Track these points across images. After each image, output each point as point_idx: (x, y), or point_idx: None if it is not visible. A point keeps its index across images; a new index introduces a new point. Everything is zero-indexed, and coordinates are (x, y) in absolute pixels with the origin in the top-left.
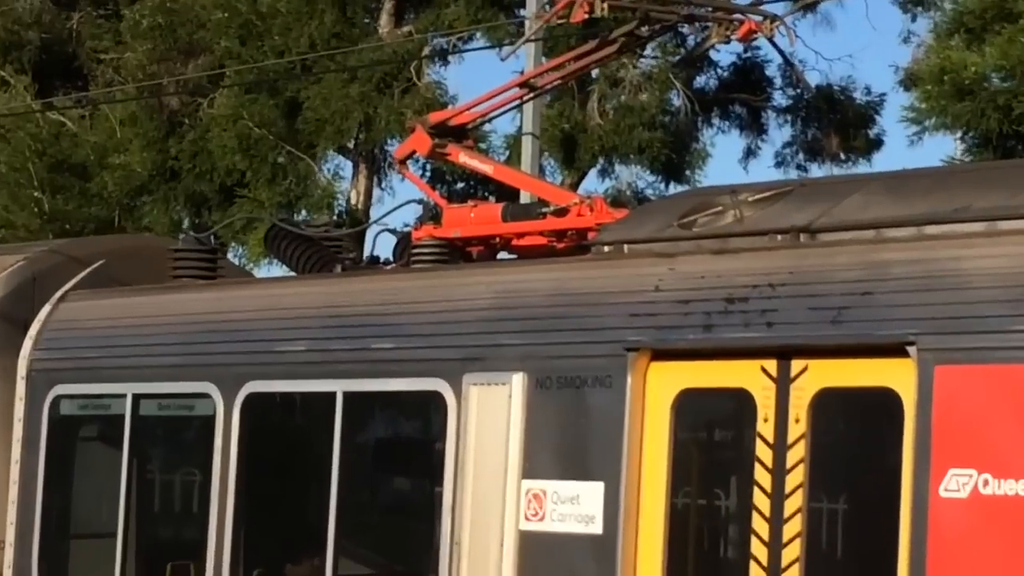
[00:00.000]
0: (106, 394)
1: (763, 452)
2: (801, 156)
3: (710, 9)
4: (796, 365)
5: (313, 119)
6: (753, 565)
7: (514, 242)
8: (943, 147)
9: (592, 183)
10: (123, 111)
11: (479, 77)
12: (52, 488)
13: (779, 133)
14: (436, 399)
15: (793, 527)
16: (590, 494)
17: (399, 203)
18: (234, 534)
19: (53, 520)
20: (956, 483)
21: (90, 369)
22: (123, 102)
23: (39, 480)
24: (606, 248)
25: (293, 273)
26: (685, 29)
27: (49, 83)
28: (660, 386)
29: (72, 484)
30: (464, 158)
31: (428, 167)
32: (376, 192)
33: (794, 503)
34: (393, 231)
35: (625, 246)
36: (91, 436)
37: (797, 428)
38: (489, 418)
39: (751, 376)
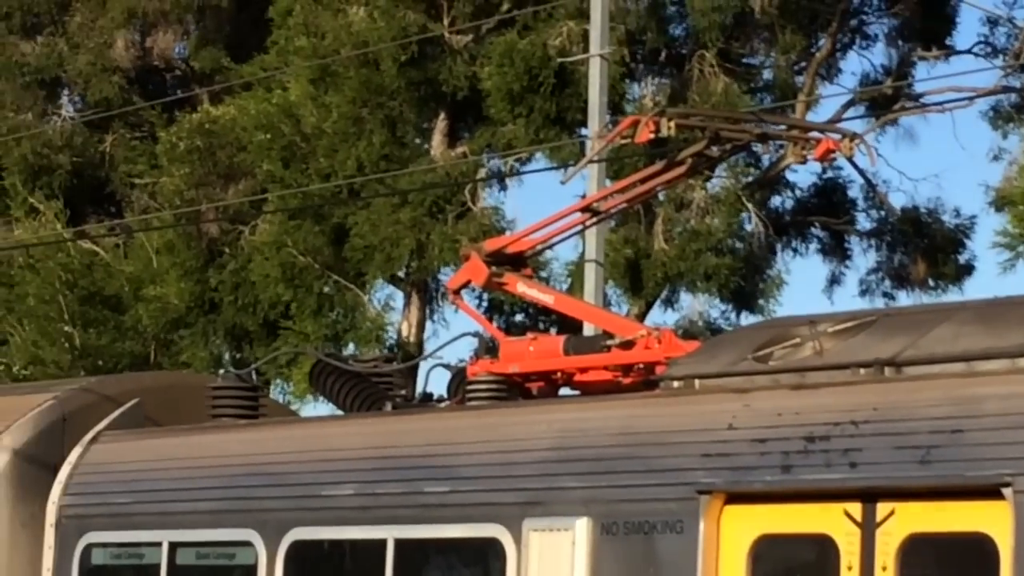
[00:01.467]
0: (141, 542)
1: None
2: (887, 283)
3: (785, 128)
4: (882, 509)
5: (361, 246)
6: None
7: (577, 377)
8: None
9: (659, 315)
10: (159, 239)
11: (538, 201)
12: None
13: (863, 259)
14: (494, 546)
15: None
16: None
17: (453, 336)
18: None
19: None
20: None
21: (123, 515)
22: (159, 230)
23: None
24: (676, 383)
25: (340, 412)
26: (758, 149)
27: (81, 210)
28: (735, 532)
29: None
30: (523, 288)
31: (484, 298)
32: (429, 324)
33: None
34: (447, 366)
35: (696, 381)
36: None
37: None
38: (551, 567)
39: (834, 521)
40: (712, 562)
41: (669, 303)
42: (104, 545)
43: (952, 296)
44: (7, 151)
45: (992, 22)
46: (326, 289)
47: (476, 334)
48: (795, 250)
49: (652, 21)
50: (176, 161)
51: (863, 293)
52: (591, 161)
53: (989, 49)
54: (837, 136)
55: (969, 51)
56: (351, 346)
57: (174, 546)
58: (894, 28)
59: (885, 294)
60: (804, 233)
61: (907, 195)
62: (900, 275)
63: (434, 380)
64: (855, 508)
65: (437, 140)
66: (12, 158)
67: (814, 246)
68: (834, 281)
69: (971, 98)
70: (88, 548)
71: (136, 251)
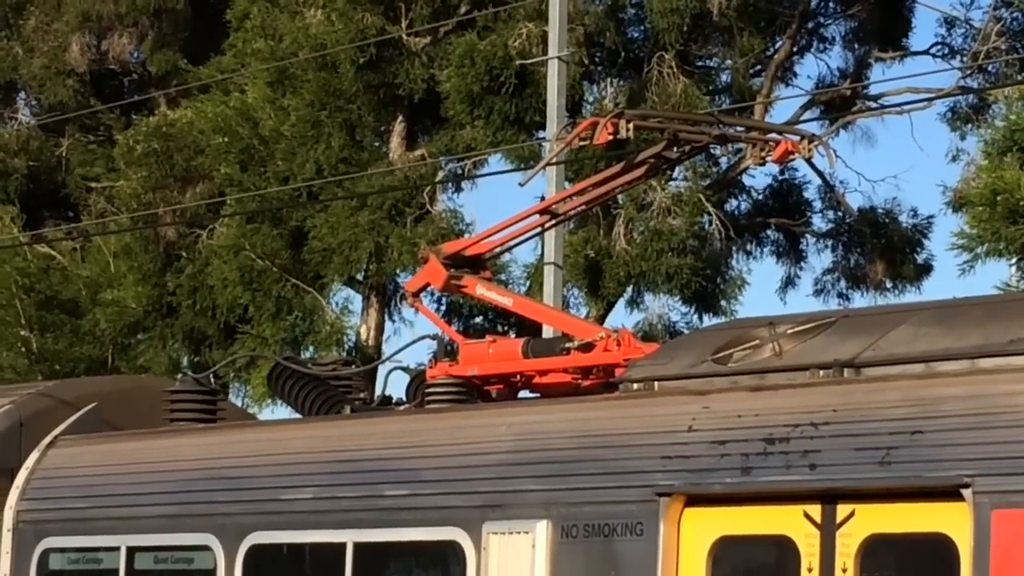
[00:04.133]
0: (99, 547)
1: None
2: (843, 284)
3: (743, 129)
4: (842, 510)
5: (320, 249)
6: None
7: (536, 380)
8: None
9: (620, 316)
10: (116, 243)
11: (497, 203)
12: None
13: (819, 259)
14: (454, 549)
15: None
16: None
17: (412, 339)
18: None
19: None
20: None
21: (81, 520)
22: (116, 233)
23: None
24: (635, 385)
25: (299, 415)
26: (717, 150)
27: (37, 214)
28: (695, 534)
29: None
30: (481, 290)
31: (443, 300)
32: (388, 327)
33: None
34: (406, 369)
35: (656, 383)
36: None
37: None
38: (511, 570)
39: (793, 522)
40: (672, 564)
41: (632, 303)
42: (62, 550)
43: (910, 297)
44: None
45: (949, 23)
46: (284, 292)
47: (435, 337)
48: (749, 253)
49: (611, 23)
50: (133, 164)
51: (818, 294)
52: (550, 163)
53: (946, 50)
54: (796, 138)
55: (926, 52)
56: (310, 349)
57: (132, 551)
58: (851, 30)
59: (841, 295)
60: (761, 235)
61: (865, 196)
62: (857, 276)
63: (393, 383)
64: (815, 509)
65: (395, 143)
66: None
67: (768, 248)
68: (789, 282)
69: (929, 99)
70: (46, 553)
71: (93, 255)
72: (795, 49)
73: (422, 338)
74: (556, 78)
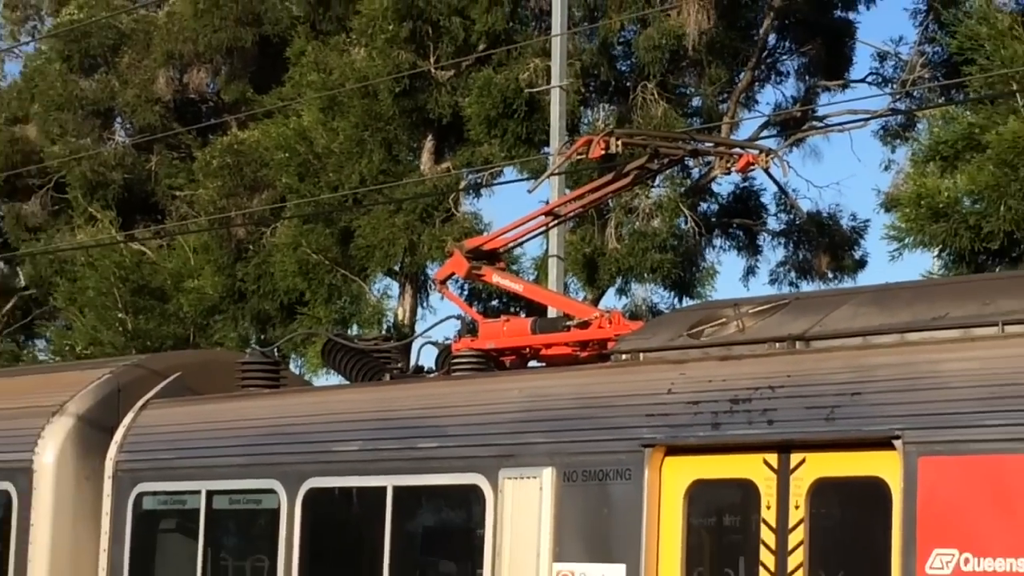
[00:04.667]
0: (183, 491)
1: (767, 536)
2: (794, 274)
3: (712, 145)
4: (795, 458)
5: (364, 246)
6: None
7: (542, 352)
8: (922, 263)
9: (611, 300)
10: (196, 241)
11: (510, 207)
12: (138, 574)
13: (774, 254)
14: (475, 492)
15: None
16: (615, 574)
17: (440, 319)
18: None
19: None
20: (940, 562)
21: (169, 469)
22: (195, 232)
23: (125, 569)
24: (624, 356)
25: (347, 382)
26: (691, 163)
27: (131, 217)
28: (674, 478)
29: (154, 572)
30: (497, 278)
31: (466, 287)
32: (420, 310)
33: None
34: (435, 344)
35: (641, 354)
36: (170, 528)
37: (797, 514)
38: (522, 509)
39: (755, 468)
40: (655, 503)
41: (621, 291)
42: (153, 493)
43: (849, 284)
44: (70, 170)
45: (882, 57)
46: (335, 281)
47: (459, 317)
48: (717, 247)
49: (603, 58)
50: (210, 176)
51: (773, 282)
52: (553, 174)
53: (880, 79)
54: (755, 152)
55: (863, 80)
56: (355, 328)
57: (211, 493)
58: (801, 64)
59: (791, 283)
60: (727, 232)
61: (812, 201)
62: (805, 268)
63: (425, 355)
64: (772, 458)
65: (425, 158)
66: (74, 175)
67: (732, 244)
68: (750, 272)
69: (865, 120)
70: (140, 496)
71: (177, 251)
72: (755, 79)
73: (448, 318)
74: (558, 104)
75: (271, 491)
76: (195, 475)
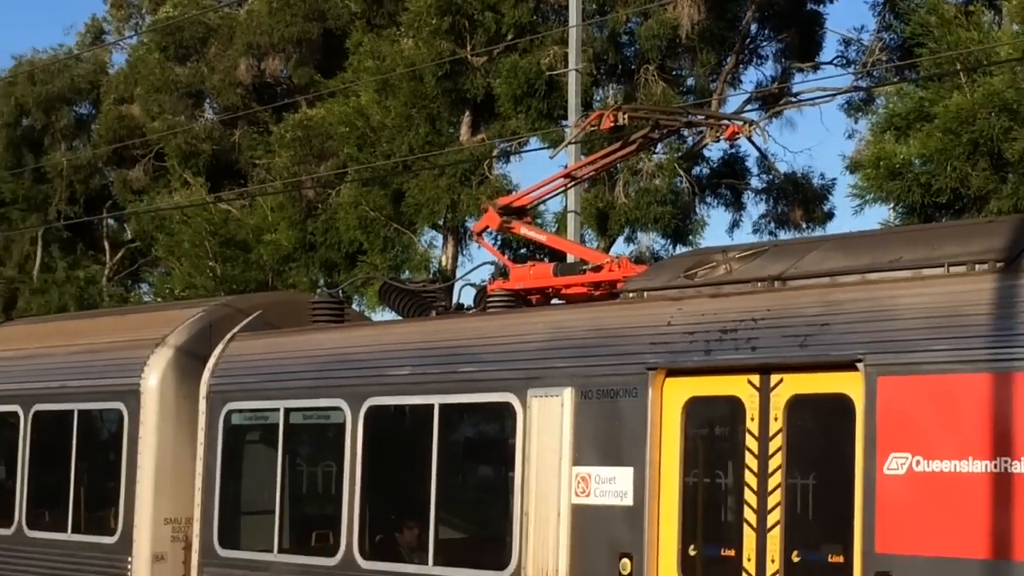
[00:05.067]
0: (265, 408)
1: (751, 443)
2: (773, 225)
3: (704, 118)
4: (774, 378)
5: (413, 204)
6: (745, 527)
7: (563, 291)
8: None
9: (620, 247)
10: (273, 201)
11: (534, 171)
12: (227, 479)
13: (756, 208)
14: (507, 408)
15: (775, 498)
16: (623, 476)
17: (477, 265)
18: (360, 510)
19: (228, 502)
20: (896, 463)
21: (253, 390)
22: (272, 195)
23: (217, 473)
24: (631, 294)
25: (400, 317)
26: (686, 133)
27: (218, 182)
28: (673, 395)
29: (241, 475)
30: (524, 230)
31: (498, 238)
32: (460, 257)
33: (775, 480)
34: (473, 285)
35: (645, 293)
36: (254, 440)
37: (776, 424)
38: (547, 422)
39: (740, 387)
40: (657, 416)
41: (628, 239)
42: (240, 411)
43: (819, 233)
44: (167, 142)
45: (846, 42)
46: (389, 234)
47: (493, 263)
48: (708, 203)
49: (611, 46)
50: (284, 147)
51: (755, 232)
52: (571, 143)
53: (845, 61)
54: (740, 123)
55: (831, 63)
56: (406, 272)
57: (288, 410)
58: (779, 49)
59: (770, 232)
60: (716, 191)
61: (788, 164)
62: (781, 220)
63: (464, 295)
64: (755, 378)
65: (463, 130)
66: (171, 147)
67: (721, 200)
68: (735, 224)
69: (832, 95)
70: (229, 413)
71: (257, 210)
72: (739, 62)
73: (483, 264)
74: (574, 84)
75: (338, 408)
76: (275, 395)
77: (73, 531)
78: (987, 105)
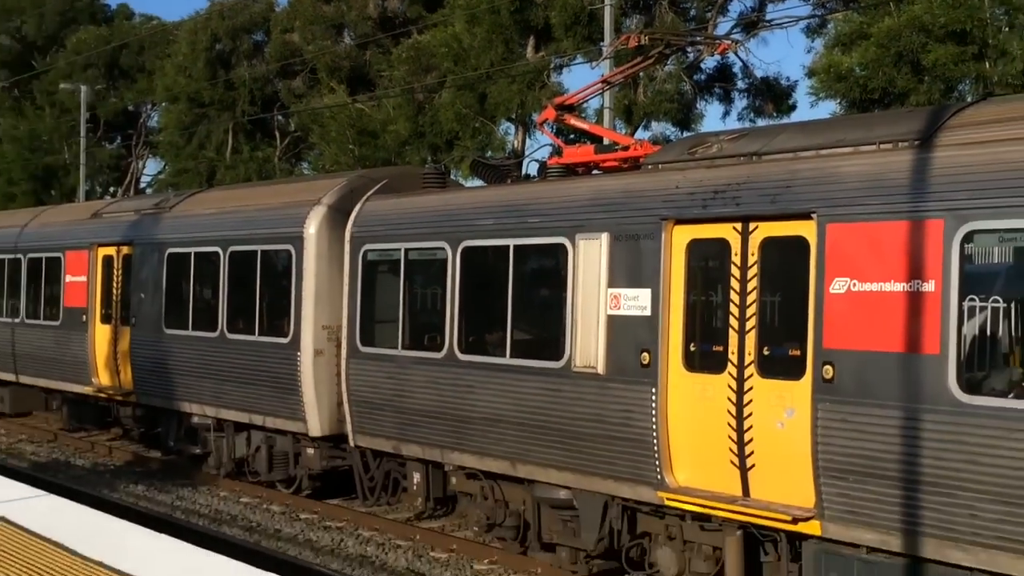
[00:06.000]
0: (391, 248)
1: (734, 271)
2: (751, 115)
3: (703, 38)
4: (752, 225)
5: (493, 103)
6: (730, 330)
7: (601, 165)
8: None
9: (641, 133)
10: (393, 102)
11: (580, 79)
12: (365, 298)
13: (740, 102)
14: (562, 248)
15: (751, 310)
16: (644, 295)
17: (539, 147)
18: (459, 320)
19: (366, 313)
20: (838, 285)
21: (382, 235)
22: (393, 98)
23: (358, 294)
24: (649, 167)
25: (484, 184)
26: (689, 50)
27: (356, 88)
28: (680, 238)
29: (375, 295)
30: (574, 121)
31: (554, 127)
32: (527, 141)
33: (752, 297)
34: (537, 161)
35: (660, 165)
36: (384, 270)
37: (752, 258)
38: (590, 257)
39: (728, 232)
40: (668, 253)
41: (646, 127)
42: (374, 250)
43: (785, 121)
44: (319, 60)
45: None
46: (477, 125)
47: (551, 146)
48: (706, 100)
49: None
50: (401, 63)
51: (739, 120)
52: (606, 58)
53: None
54: (729, 41)
55: None
56: (489, 152)
57: (407, 250)
58: None
59: (750, 120)
60: (711, 91)
61: (763, 70)
62: (758, 111)
63: (531, 168)
64: (738, 225)
65: (529, 50)
66: (321, 63)
67: (715, 98)
68: (725, 115)
69: (795, 21)
70: (366, 251)
71: (382, 108)
72: None
73: (544, 146)
74: (608, 15)
75: (442, 248)
76: (397, 239)
77: (259, 334)
78: (909, 26)
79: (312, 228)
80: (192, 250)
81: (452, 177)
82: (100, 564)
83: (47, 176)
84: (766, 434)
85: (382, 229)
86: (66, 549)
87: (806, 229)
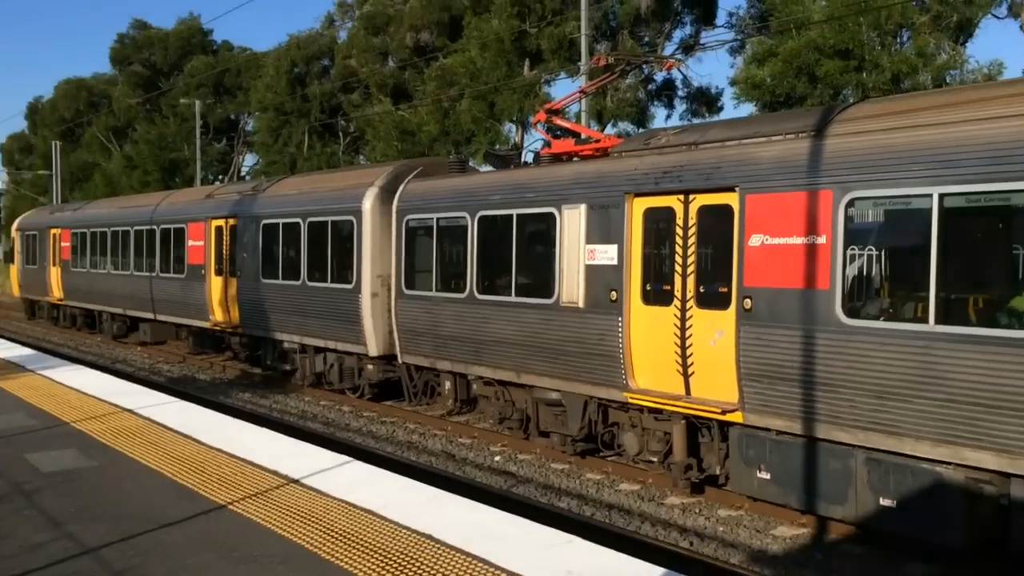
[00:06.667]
0: (427, 217)
1: (679, 232)
2: (690, 116)
3: (654, 58)
4: (691, 197)
5: (500, 109)
6: (675, 275)
7: (580, 153)
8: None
9: (610, 129)
10: (426, 109)
11: (563, 90)
12: (408, 254)
13: (680, 108)
14: (552, 216)
15: (691, 259)
16: (612, 250)
17: (534, 141)
18: (477, 269)
19: (409, 265)
20: (756, 240)
21: (420, 208)
22: (426, 107)
23: (403, 251)
24: (615, 154)
25: (494, 169)
26: (645, 67)
27: (398, 99)
28: (639, 207)
29: (415, 253)
30: (560, 122)
31: (546, 127)
32: (526, 137)
33: (692, 250)
34: (533, 152)
35: (623, 153)
36: (422, 235)
37: (692, 221)
38: (573, 222)
39: (674, 202)
40: (630, 218)
41: (613, 126)
42: (416, 219)
43: (714, 119)
44: (370, 79)
45: (731, 14)
46: (487, 125)
47: (543, 140)
48: (656, 105)
49: (603, 19)
50: (431, 80)
51: (680, 119)
52: (582, 74)
53: (730, 24)
54: (673, 60)
55: (722, 25)
56: (497, 145)
57: (438, 219)
58: (693, 18)
59: (689, 119)
60: (660, 99)
61: (699, 81)
62: (695, 113)
63: (528, 157)
64: (681, 197)
65: (526, 68)
66: (372, 82)
67: (662, 104)
68: (668, 117)
69: (723, 44)
70: (408, 220)
71: (418, 115)
72: (673, 27)
73: (537, 141)
74: (584, 41)
75: (464, 217)
76: (431, 210)
77: (331, 282)
78: (807, 47)
79: (368, 204)
80: (280, 221)
81: (470, 165)
82: (220, 450)
83: (172, 168)
84: (702, 350)
85: (419, 203)
86: (194, 439)
87: (731, 199)
